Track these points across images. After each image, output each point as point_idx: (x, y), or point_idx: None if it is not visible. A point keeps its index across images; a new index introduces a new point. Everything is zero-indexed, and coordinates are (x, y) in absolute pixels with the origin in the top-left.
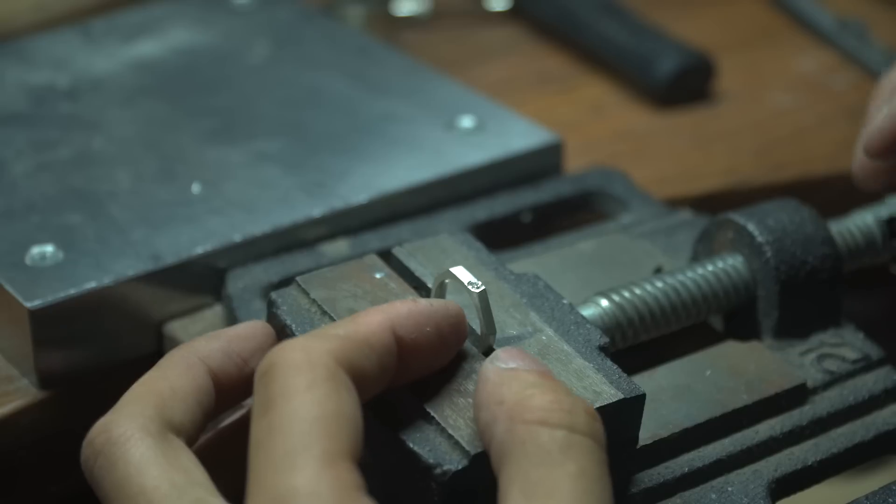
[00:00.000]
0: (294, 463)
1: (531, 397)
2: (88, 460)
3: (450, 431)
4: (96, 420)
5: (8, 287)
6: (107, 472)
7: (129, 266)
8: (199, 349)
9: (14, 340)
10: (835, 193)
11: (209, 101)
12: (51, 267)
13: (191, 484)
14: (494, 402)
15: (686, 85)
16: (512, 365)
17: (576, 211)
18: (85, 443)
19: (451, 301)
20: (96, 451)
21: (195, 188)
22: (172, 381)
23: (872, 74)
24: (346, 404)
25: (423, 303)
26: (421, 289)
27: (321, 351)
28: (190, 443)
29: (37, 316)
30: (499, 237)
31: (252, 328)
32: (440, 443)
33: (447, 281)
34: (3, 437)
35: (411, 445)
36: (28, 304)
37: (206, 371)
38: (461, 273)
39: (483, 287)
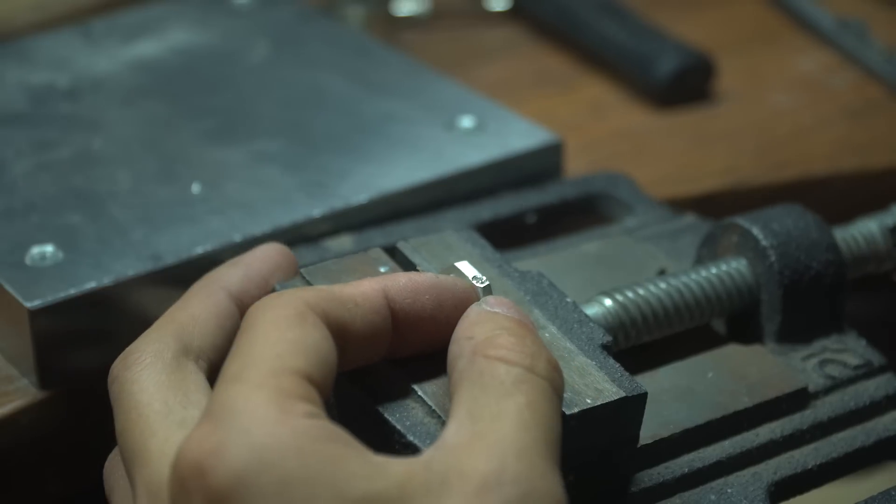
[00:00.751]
0: (240, 376)
1: (498, 336)
2: (109, 387)
3: (439, 413)
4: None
5: (8, 287)
6: (118, 394)
7: (129, 266)
8: (218, 277)
9: (14, 340)
10: (834, 193)
11: (209, 101)
12: (51, 267)
13: (184, 405)
14: (465, 338)
15: (686, 85)
16: (497, 310)
17: (580, 214)
18: (109, 372)
19: (463, 280)
20: (113, 377)
21: (195, 188)
22: (192, 308)
23: (872, 74)
24: (309, 336)
25: (425, 274)
26: None
27: (295, 296)
28: (213, 365)
29: (37, 316)
30: (503, 239)
31: (269, 249)
32: (429, 423)
33: (451, 276)
34: (2, 437)
35: (396, 425)
36: (28, 304)
37: (227, 296)
38: (466, 268)
39: (487, 282)
